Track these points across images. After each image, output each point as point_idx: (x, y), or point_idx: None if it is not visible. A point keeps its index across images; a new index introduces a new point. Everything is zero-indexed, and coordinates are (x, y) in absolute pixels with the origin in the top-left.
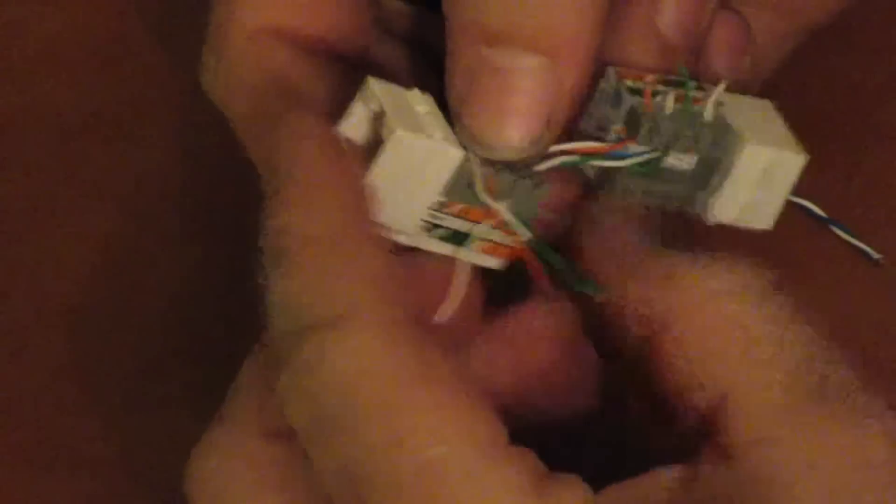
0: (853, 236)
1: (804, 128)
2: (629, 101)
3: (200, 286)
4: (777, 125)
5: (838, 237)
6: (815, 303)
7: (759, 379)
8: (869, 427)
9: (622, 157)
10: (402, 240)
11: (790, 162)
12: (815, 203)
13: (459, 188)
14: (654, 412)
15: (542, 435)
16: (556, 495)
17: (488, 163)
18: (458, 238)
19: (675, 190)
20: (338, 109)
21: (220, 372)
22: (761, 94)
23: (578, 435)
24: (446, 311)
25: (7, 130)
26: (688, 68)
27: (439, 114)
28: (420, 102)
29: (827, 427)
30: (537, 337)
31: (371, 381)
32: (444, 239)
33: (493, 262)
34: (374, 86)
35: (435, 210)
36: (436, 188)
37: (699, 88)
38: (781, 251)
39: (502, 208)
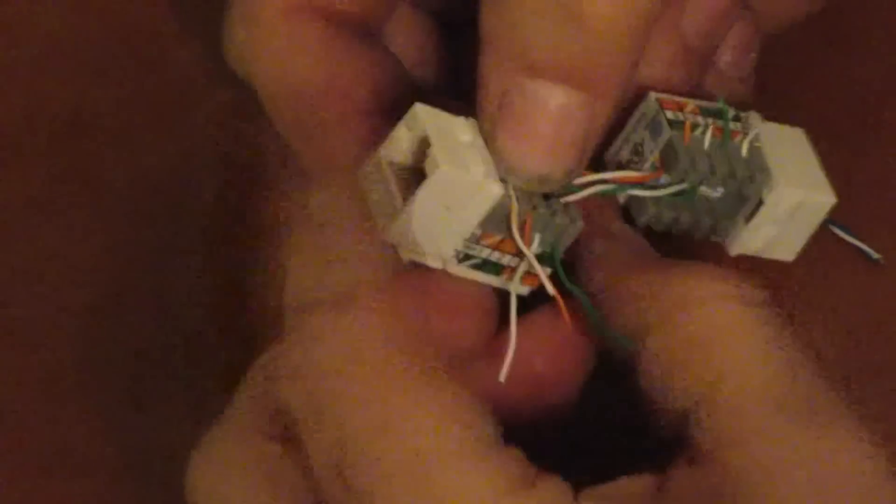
0: (853, 236)
1: (804, 128)
2: (668, 133)
3: (200, 286)
4: (809, 162)
5: (838, 237)
6: (816, 303)
7: (733, 387)
8: (838, 439)
9: (657, 187)
10: (436, 265)
11: (819, 203)
12: None
13: (496, 221)
14: (636, 416)
15: (529, 433)
16: (534, 495)
17: (526, 199)
18: (492, 268)
19: (703, 220)
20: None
21: (221, 372)
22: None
23: (565, 432)
24: (505, 372)
25: (7, 130)
26: (726, 103)
27: (482, 144)
28: (464, 132)
29: (795, 436)
30: (535, 347)
31: (363, 365)
32: (476, 268)
33: (526, 290)
34: (421, 113)
35: (470, 241)
36: (473, 221)
37: (736, 119)
38: None
39: (528, 251)
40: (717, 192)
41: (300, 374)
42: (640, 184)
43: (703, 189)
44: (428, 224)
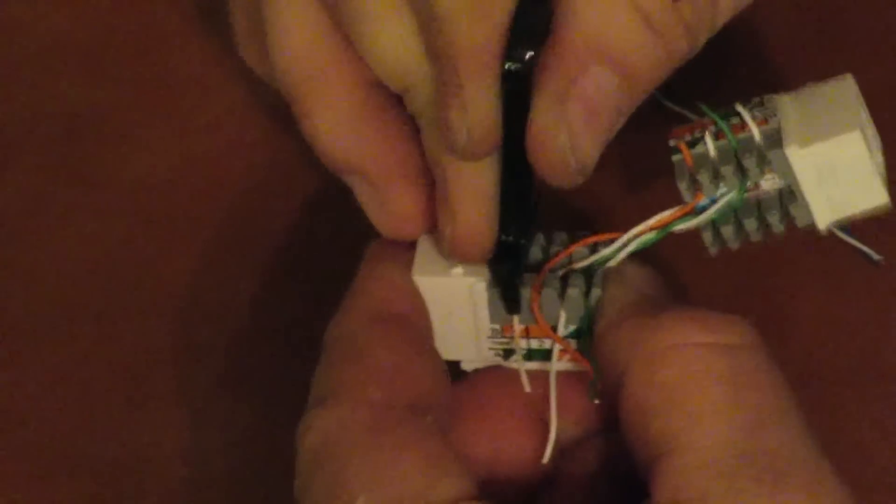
0: (853, 236)
1: None
2: (674, 160)
3: (200, 286)
4: (840, 108)
5: (838, 237)
6: (816, 303)
7: (694, 443)
8: (795, 499)
9: (703, 211)
10: (485, 364)
11: (846, 141)
12: None
13: (504, 313)
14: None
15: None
16: None
17: (527, 282)
18: (542, 354)
19: (772, 217)
20: None
21: (221, 372)
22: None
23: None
24: (549, 453)
25: (7, 130)
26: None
27: None
28: None
29: (751, 494)
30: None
31: (329, 448)
32: (527, 359)
33: (580, 367)
34: (421, 237)
35: (495, 338)
36: (482, 318)
37: (760, 105)
38: (781, 252)
39: (553, 333)
40: (769, 186)
41: (296, 468)
42: (683, 218)
43: (755, 191)
44: (449, 333)
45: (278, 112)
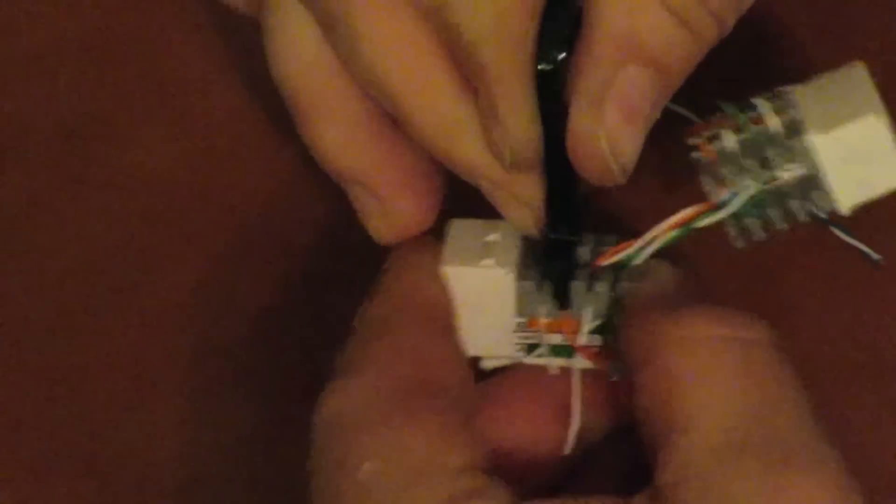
0: (853, 237)
1: None
2: (694, 157)
3: (199, 287)
4: (854, 92)
5: (838, 237)
6: (816, 303)
7: (699, 428)
8: (799, 479)
9: (725, 206)
10: (505, 362)
11: (866, 126)
12: None
13: (532, 305)
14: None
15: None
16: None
17: (551, 275)
18: (564, 351)
19: (794, 204)
20: None
21: (221, 372)
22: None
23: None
24: (570, 443)
25: (7, 130)
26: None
27: (511, 239)
28: (493, 232)
29: (753, 474)
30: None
31: (346, 417)
32: (549, 355)
33: (599, 365)
34: (451, 226)
35: (520, 331)
36: (509, 311)
37: (774, 97)
38: (781, 252)
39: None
40: (790, 174)
41: (312, 441)
42: (709, 212)
43: (776, 179)
44: (475, 326)
45: (278, 112)
